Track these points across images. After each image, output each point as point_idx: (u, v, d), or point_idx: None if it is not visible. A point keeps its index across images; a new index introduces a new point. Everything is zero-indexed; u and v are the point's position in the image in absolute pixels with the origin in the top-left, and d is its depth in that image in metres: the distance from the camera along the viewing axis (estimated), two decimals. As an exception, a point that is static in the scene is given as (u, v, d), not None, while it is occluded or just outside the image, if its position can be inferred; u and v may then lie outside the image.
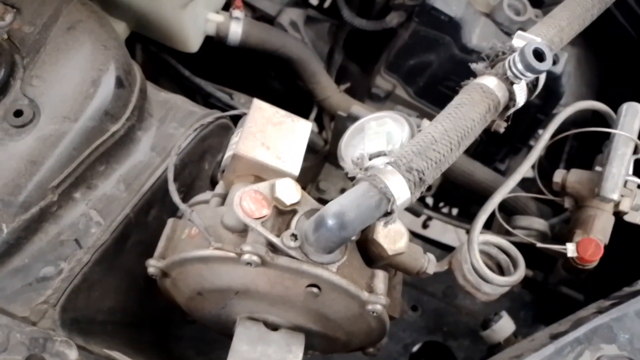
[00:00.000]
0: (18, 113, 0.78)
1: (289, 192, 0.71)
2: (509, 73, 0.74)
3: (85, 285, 0.77)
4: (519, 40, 0.77)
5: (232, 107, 1.21)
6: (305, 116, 0.84)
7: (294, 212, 0.73)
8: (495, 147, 1.36)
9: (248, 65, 1.34)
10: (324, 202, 0.72)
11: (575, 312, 0.81)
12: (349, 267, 0.73)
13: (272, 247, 0.69)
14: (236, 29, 1.13)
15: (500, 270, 0.90)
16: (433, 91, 1.23)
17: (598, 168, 0.98)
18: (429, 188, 0.68)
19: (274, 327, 0.78)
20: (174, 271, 0.77)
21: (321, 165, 1.34)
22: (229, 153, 0.79)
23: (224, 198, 0.80)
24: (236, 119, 0.88)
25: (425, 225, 1.83)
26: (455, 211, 1.68)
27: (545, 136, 0.97)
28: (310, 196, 0.76)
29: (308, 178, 1.31)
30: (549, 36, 0.80)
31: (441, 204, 1.67)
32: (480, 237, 0.86)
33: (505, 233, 1.08)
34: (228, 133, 0.98)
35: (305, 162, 0.79)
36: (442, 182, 1.36)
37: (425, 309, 1.31)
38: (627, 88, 1.19)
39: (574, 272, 1.15)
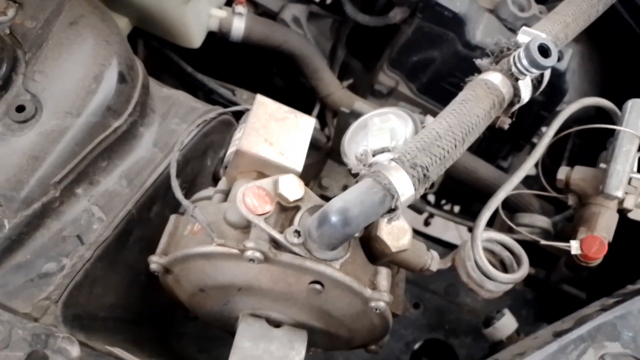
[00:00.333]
0: (20, 108, 0.77)
1: (292, 189, 0.71)
2: (513, 69, 0.74)
3: (87, 282, 0.77)
4: (523, 36, 0.77)
5: (235, 103, 1.21)
6: (308, 113, 0.83)
7: (297, 208, 0.72)
8: (498, 144, 1.35)
9: (250, 62, 1.33)
10: (326, 198, 0.72)
11: (579, 310, 0.81)
12: (352, 263, 0.73)
13: (275, 244, 0.69)
14: (239, 24, 1.13)
15: (504, 268, 0.89)
16: (436, 88, 1.23)
17: (602, 165, 0.97)
18: (432, 185, 0.68)
19: (276, 324, 0.78)
20: (177, 267, 0.76)
21: (324, 161, 1.33)
22: (231, 149, 0.78)
23: (226, 194, 0.79)
24: (238, 115, 0.88)
25: (427, 223, 1.83)
26: (457, 209, 1.68)
27: (549, 133, 0.97)
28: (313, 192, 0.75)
29: (310, 175, 1.31)
30: (554, 32, 0.80)
31: (443, 202, 1.66)
32: (483, 234, 0.86)
33: (508, 230, 1.07)
34: (230, 129, 0.97)
35: (307, 159, 0.78)
36: (445, 179, 1.35)
37: (427, 306, 1.31)
38: (632, 85, 1.19)
39: (576, 270, 1.15)
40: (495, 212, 0.90)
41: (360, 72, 1.36)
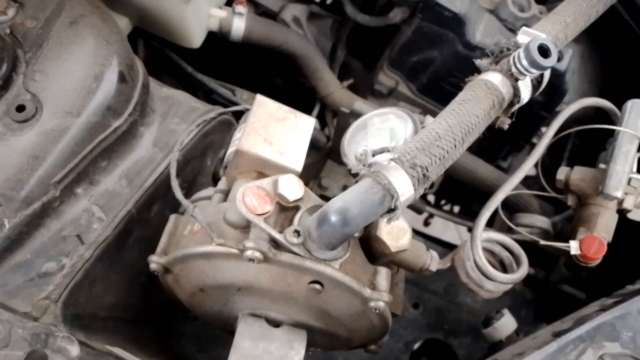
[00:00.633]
0: (20, 108, 0.77)
1: (292, 188, 0.71)
2: (513, 69, 0.74)
3: (87, 281, 0.77)
4: (523, 36, 0.77)
5: (235, 103, 1.21)
6: (308, 113, 0.83)
7: (296, 208, 0.72)
8: (498, 144, 1.35)
9: (250, 62, 1.33)
10: (326, 198, 0.72)
11: (578, 310, 0.81)
12: (352, 263, 0.73)
13: (275, 244, 0.69)
14: (239, 24, 1.13)
15: (503, 268, 0.89)
16: (436, 88, 1.23)
17: (602, 165, 0.97)
18: (431, 185, 0.68)
19: (276, 324, 0.78)
20: (176, 267, 0.77)
21: (323, 161, 1.33)
22: (231, 149, 0.78)
23: (226, 194, 0.80)
24: (238, 115, 0.88)
25: (426, 223, 1.83)
26: (457, 209, 1.68)
27: (549, 133, 0.97)
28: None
29: (310, 175, 1.31)
30: (554, 32, 0.80)
31: (443, 202, 1.67)
32: (483, 234, 0.86)
33: (508, 230, 1.07)
34: (230, 129, 0.97)
35: (307, 159, 0.78)
36: (444, 179, 1.35)
37: (426, 306, 1.31)
38: (631, 85, 1.19)
39: (575, 270, 1.15)
40: (495, 212, 0.90)
41: (360, 72, 1.36)
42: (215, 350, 1.10)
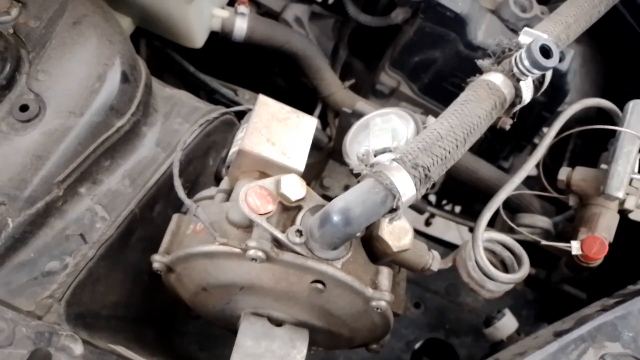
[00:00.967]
0: (24, 107, 0.78)
1: (294, 188, 0.71)
2: (515, 70, 0.74)
3: (90, 280, 0.78)
4: (525, 37, 0.77)
5: (237, 103, 1.21)
6: (309, 113, 0.84)
7: (299, 208, 0.73)
8: (499, 144, 1.36)
9: (252, 62, 1.34)
10: (327, 198, 0.72)
11: (579, 310, 0.81)
12: (354, 263, 0.73)
13: (277, 243, 0.69)
14: (241, 24, 1.13)
15: (504, 268, 0.89)
16: (438, 88, 1.23)
17: (603, 166, 0.97)
18: (433, 185, 0.69)
19: (278, 323, 0.79)
20: (179, 266, 0.77)
21: (325, 161, 1.34)
22: (234, 149, 0.79)
23: (228, 194, 0.80)
24: (240, 115, 0.88)
25: (427, 223, 1.83)
26: (458, 209, 1.68)
27: (551, 133, 0.97)
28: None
29: (312, 174, 1.31)
30: (555, 33, 0.80)
31: (444, 202, 1.67)
32: (484, 234, 0.86)
33: (509, 231, 1.08)
34: (232, 129, 0.98)
35: (309, 159, 0.79)
36: (446, 179, 1.35)
37: (427, 306, 1.31)
38: (633, 86, 1.19)
39: (576, 270, 1.15)
40: (496, 213, 0.90)
41: (362, 72, 1.36)
42: (217, 349, 1.10)
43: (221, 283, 0.75)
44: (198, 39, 1.10)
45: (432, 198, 1.63)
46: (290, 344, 0.77)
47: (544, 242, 1.01)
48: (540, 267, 1.25)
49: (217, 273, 0.74)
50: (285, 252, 0.69)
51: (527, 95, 0.77)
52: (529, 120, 1.24)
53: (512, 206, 1.24)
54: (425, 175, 0.65)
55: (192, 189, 0.92)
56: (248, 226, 0.71)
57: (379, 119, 0.89)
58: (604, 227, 0.98)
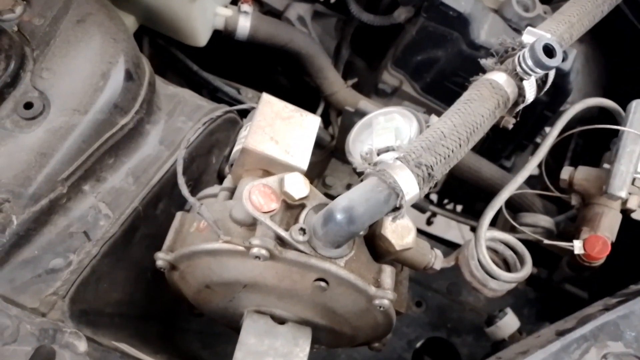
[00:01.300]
0: (28, 105, 0.78)
1: (298, 187, 0.71)
2: (518, 69, 0.74)
3: (94, 278, 0.78)
4: (528, 36, 0.77)
5: (240, 102, 1.21)
6: (312, 111, 0.84)
7: (302, 206, 0.73)
8: (501, 143, 1.36)
9: (255, 60, 1.34)
10: (330, 197, 0.72)
11: (582, 309, 0.81)
12: (357, 261, 0.73)
13: (281, 241, 0.69)
14: (244, 23, 1.13)
15: (507, 267, 0.90)
16: (440, 87, 1.23)
17: (606, 165, 0.98)
18: (435, 184, 0.69)
19: (281, 321, 0.79)
20: (183, 264, 0.77)
21: (328, 160, 1.34)
22: (237, 147, 0.79)
23: (232, 192, 0.80)
24: (243, 114, 0.88)
25: (429, 222, 1.84)
26: (459, 208, 1.68)
27: (553, 133, 0.97)
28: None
29: (314, 173, 1.32)
30: (558, 32, 0.80)
31: (445, 201, 1.67)
32: (487, 233, 0.86)
33: (511, 230, 1.08)
34: (235, 127, 0.98)
35: (311, 157, 0.79)
36: (448, 178, 1.36)
37: (429, 305, 1.31)
38: (636, 85, 1.19)
39: (578, 270, 1.15)
40: (498, 212, 0.90)
41: (364, 71, 1.37)
42: (219, 346, 1.11)
43: (224, 281, 0.76)
44: (201, 38, 1.11)
45: (434, 197, 1.63)
46: (293, 342, 0.77)
47: (546, 242, 1.02)
48: (542, 266, 1.26)
49: (221, 271, 0.74)
50: (288, 250, 0.69)
51: (530, 94, 0.77)
52: (531, 119, 1.24)
53: (514, 205, 1.24)
54: (429, 174, 0.65)
55: (195, 187, 0.93)
56: (251, 224, 0.72)
57: (382, 118, 0.89)
58: (607, 227, 0.98)
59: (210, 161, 0.98)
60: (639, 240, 1.08)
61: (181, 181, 0.76)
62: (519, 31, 1.11)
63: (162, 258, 0.77)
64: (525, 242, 0.92)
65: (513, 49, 0.77)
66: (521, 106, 0.79)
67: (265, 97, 0.80)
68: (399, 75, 1.25)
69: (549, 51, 0.72)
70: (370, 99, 1.25)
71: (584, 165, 1.05)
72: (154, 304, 0.96)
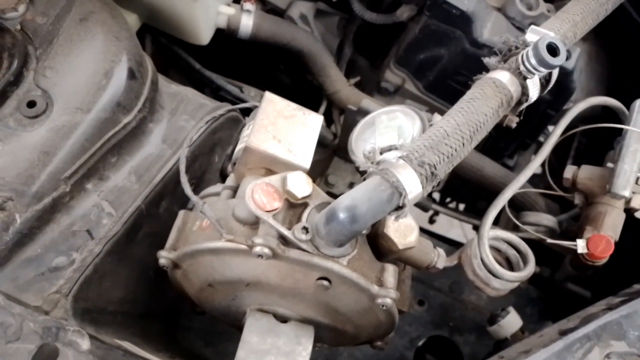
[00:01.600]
0: (31, 104, 0.78)
1: (300, 185, 0.71)
2: (522, 68, 0.74)
3: (97, 276, 0.78)
4: (532, 35, 0.77)
5: (242, 100, 1.21)
6: (314, 110, 0.84)
7: (305, 205, 0.73)
8: (504, 142, 1.35)
9: (258, 59, 1.34)
10: (333, 195, 0.72)
11: (585, 309, 0.81)
12: (359, 260, 0.73)
13: (284, 240, 0.69)
14: (247, 21, 1.13)
15: (510, 266, 0.89)
16: (443, 86, 1.23)
17: (610, 164, 0.97)
18: (438, 183, 0.69)
19: (283, 319, 0.79)
20: (185, 262, 0.77)
21: (330, 159, 1.34)
22: (240, 145, 0.79)
23: (234, 190, 0.80)
24: (246, 112, 0.88)
25: (431, 220, 1.83)
26: (462, 206, 1.68)
27: (557, 132, 0.97)
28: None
29: (317, 172, 1.32)
30: (562, 31, 0.80)
31: (448, 199, 1.67)
32: (490, 232, 0.86)
33: (514, 229, 1.07)
34: (238, 126, 0.98)
35: (314, 156, 0.79)
36: (450, 177, 1.35)
37: (431, 303, 1.31)
38: (639, 84, 1.18)
39: (581, 269, 1.15)
40: (500, 210, 0.90)
41: (367, 69, 1.36)
42: (221, 345, 1.11)
43: (227, 279, 0.76)
44: (204, 36, 1.11)
45: (436, 195, 1.63)
46: (295, 341, 0.77)
47: (549, 241, 1.01)
48: (545, 265, 1.25)
49: (223, 269, 0.75)
50: (291, 249, 0.69)
51: (534, 93, 0.77)
52: (534, 118, 1.24)
53: (517, 204, 1.24)
54: (432, 173, 0.65)
55: (197, 186, 0.93)
56: (254, 223, 0.72)
57: (384, 117, 0.89)
58: (610, 226, 0.98)
59: (213, 160, 0.98)
60: (642, 240, 1.08)
61: (184, 180, 0.76)
62: (522, 30, 1.11)
63: (164, 256, 0.77)
64: (528, 241, 0.92)
65: (516, 48, 0.77)
66: (524, 105, 0.78)
67: (268, 95, 0.80)
68: (402, 73, 1.25)
69: (552, 50, 0.71)
70: (373, 98, 1.25)
71: (587, 164, 1.04)
72: (156, 302, 0.96)
